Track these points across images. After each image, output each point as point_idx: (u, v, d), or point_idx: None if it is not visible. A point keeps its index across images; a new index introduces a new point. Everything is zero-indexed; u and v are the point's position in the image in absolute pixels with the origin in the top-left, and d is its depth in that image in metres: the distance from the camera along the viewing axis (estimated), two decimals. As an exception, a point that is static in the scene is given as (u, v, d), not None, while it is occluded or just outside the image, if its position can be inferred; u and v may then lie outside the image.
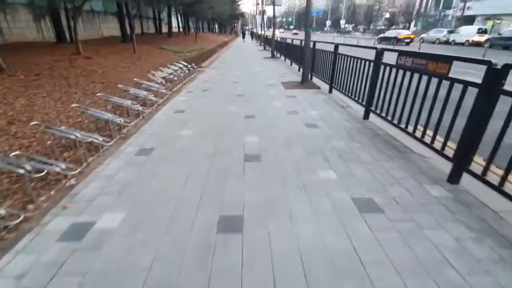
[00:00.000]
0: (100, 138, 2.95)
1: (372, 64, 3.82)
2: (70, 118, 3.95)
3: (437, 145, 2.53)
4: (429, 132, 2.67)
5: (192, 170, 2.52)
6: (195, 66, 8.52)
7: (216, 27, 54.64)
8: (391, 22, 53.56)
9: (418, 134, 2.81)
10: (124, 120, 3.63)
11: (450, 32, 25.48)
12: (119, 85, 4.73)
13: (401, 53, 3.19)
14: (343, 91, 4.93)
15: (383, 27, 53.73)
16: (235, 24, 64.90)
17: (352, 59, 4.51)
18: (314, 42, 6.52)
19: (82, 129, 3.11)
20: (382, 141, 3.18)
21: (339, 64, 5.10)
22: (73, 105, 3.46)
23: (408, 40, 25.91)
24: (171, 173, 2.47)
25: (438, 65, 2.59)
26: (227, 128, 3.58)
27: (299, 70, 8.86)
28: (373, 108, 3.79)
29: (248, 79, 7.35)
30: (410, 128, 2.95)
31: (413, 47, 20.29)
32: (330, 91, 5.61)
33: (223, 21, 51.05)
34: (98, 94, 4.32)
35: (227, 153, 2.88)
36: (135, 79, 5.42)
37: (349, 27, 67.12)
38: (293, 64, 10.29)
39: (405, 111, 3.00)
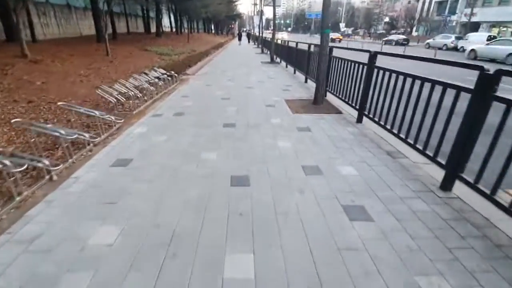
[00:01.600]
0: None
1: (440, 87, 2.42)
2: None
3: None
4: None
5: None
6: (175, 75, 6.76)
7: (212, 27, 52.89)
8: (392, 26, 52.50)
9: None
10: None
11: (458, 38, 24.13)
12: (60, 103, 2.94)
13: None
14: (387, 125, 3.21)
15: (383, 31, 52.64)
16: (232, 25, 63.22)
17: (402, 77, 2.91)
18: (331, 48, 4.83)
19: None
20: None
21: (377, 82, 3.40)
22: None
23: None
24: None
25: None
26: (194, 227, 1.82)
27: (306, 81, 7.16)
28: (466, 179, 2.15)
29: (242, 94, 5.61)
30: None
31: (423, 52, 18.81)
32: (360, 120, 3.89)
33: (220, 21, 49.32)
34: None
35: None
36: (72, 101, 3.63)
37: (348, 30, 65.96)
38: (296, 72, 8.59)
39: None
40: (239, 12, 53.45)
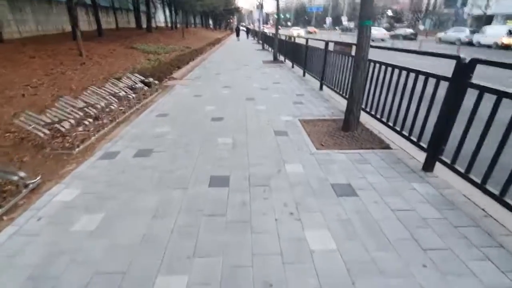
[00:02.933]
0: None
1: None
2: None
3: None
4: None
5: None
6: (156, 82, 5.29)
7: (210, 22, 51.01)
8: (396, 20, 50.57)
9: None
10: None
11: (473, 32, 22.48)
12: None
13: None
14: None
15: (388, 25, 50.75)
16: (231, 20, 61.26)
17: None
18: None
19: None
20: None
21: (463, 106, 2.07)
22: None
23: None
24: None
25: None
26: None
27: (321, 87, 5.68)
28: None
29: (241, 111, 4.16)
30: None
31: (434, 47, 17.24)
32: (430, 167, 2.42)
33: (218, 16, 47.48)
34: None
35: None
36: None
37: (351, 24, 63.89)
38: (307, 74, 7.10)
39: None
40: (238, 6, 51.50)
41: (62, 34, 13.91)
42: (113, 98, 3.90)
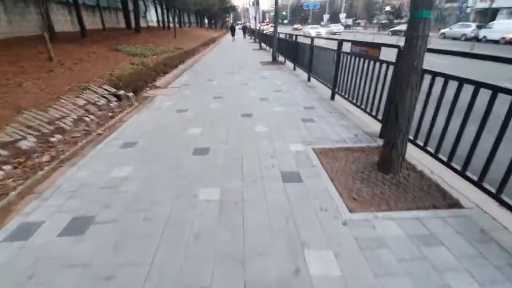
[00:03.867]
0: None
1: None
2: None
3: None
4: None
5: None
6: (130, 95, 4.27)
7: (205, 21, 49.76)
8: (395, 16, 49.56)
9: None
10: None
11: (479, 27, 21.52)
12: None
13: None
14: None
15: (386, 21, 49.74)
16: (227, 19, 59.97)
17: None
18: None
19: None
20: None
21: None
22: None
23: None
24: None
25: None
26: None
27: (332, 97, 4.67)
28: None
29: (235, 137, 3.16)
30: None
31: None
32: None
33: (213, 15, 46.25)
34: None
35: None
36: None
37: (348, 21, 62.83)
38: (312, 78, 6.10)
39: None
40: (233, 5, 50.27)
41: (42, 36, 12.79)
42: (64, 122, 2.88)
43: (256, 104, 4.41)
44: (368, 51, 3.26)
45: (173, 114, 3.97)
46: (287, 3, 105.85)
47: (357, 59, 3.68)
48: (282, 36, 9.78)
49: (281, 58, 9.96)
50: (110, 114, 3.77)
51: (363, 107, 3.55)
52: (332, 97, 4.65)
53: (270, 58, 10.29)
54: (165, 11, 24.44)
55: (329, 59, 4.74)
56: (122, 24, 22.37)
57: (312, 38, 5.90)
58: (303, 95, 5.01)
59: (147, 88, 5.53)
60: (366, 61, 3.42)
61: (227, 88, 5.63)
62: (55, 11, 14.93)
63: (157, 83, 6.04)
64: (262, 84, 5.97)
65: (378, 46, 3.09)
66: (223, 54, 12.83)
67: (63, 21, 15.51)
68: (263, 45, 16.26)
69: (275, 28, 9.26)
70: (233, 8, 51.41)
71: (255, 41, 21.49)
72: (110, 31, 16.80)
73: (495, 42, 19.50)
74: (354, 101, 3.83)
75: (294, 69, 7.90)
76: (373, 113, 3.27)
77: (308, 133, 3.20)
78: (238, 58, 11.13)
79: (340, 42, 4.29)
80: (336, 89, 4.54)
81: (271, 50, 13.29)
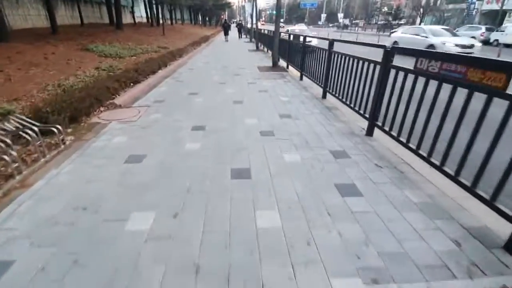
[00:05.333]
0: None
1: None
2: None
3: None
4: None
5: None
6: (57, 129, 2.65)
7: (199, 18, 47.77)
8: (394, 17, 48.47)
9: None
10: None
11: (489, 30, 20.32)
12: None
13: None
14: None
15: (385, 22, 48.64)
16: (222, 16, 58.04)
17: None
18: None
19: None
20: None
21: None
22: None
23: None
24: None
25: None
26: None
27: (370, 132, 3.12)
28: None
29: (222, 217, 1.59)
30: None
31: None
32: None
33: (207, 11, 44.40)
34: None
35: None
36: None
37: (346, 21, 61.55)
38: (328, 95, 4.58)
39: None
40: (229, 1, 48.44)
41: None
42: None
43: (255, 145, 2.84)
44: (475, 75, 1.73)
45: (118, 169, 2.38)
46: (283, 2, 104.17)
47: (424, 80, 2.17)
48: (282, 36, 8.23)
49: (283, 63, 8.41)
50: (10, 169, 2.17)
51: (434, 161, 2.03)
52: (370, 132, 3.11)
53: (269, 62, 8.73)
54: (154, 6, 22.58)
55: (364, 74, 3.21)
56: (107, 20, 20.47)
57: (331, 42, 4.36)
58: (323, 124, 3.46)
59: (101, 109, 3.91)
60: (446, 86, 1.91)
61: (214, 109, 4.06)
62: (26, 4, 13.06)
63: (120, 98, 4.41)
64: (263, 103, 4.40)
65: (503, 66, 1.56)
66: (215, 56, 11.21)
67: (35, 16, 13.63)
68: (260, 45, 14.69)
69: (276, 27, 7.70)
70: (228, 5, 49.58)
71: (251, 41, 19.91)
72: (89, 27, 14.96)
73: (506, 46, 18.31)
74: (412, 146, 2.32)
75: (301, 78, 6.36)
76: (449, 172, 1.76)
77: (359, 231, 1.65)
78: (232, 61, 9.52)
79: (388, 52, 2.75)
80: (377, 121, 3.00)
81: (269, 52, 11.75)
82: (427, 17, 38.03)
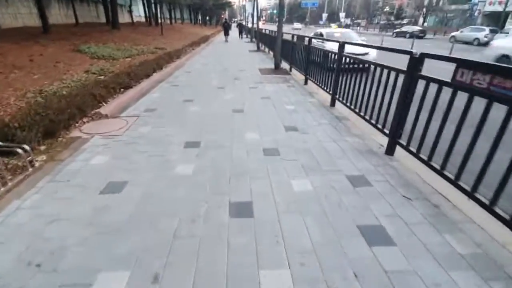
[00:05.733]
0: None
1: None
2: None
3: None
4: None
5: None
6: (27, 149, 2.23)
7: (199, 18, 47.29)
8: (396, 16, 48.05)
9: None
10: None
11: (493, 31, 19.90)
12: None
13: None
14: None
15: (387, 22, 48.23)
16: (222, 16, 57.57)
17: None
18: None
19: None
20: None
21: None
22: None
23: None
24: None
25: None
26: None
27: (390, 151, 2.69)
28: None
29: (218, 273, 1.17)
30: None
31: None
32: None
33: (207, 11, 43.97)
34: None
35: None
36: None
37: (347, 21, 61.07)
38: (337, 102, 4.16)
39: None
40: (229, 1, 47.98)
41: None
42: None
43: (258, 168, 2.42)
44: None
45: (91, 202, 1.95)
46: (284, 1, 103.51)
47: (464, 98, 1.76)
48: (283, 36, 7.81)
49: (285, 66, 7.99)
50: None
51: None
52: (390, 151, 2.69)
53: (271, 64, 8.32)
54: (152, 5, 22.13)
55: (379, 83, 2.80)
56: (104, 19, 20.03)
57: (342, 44, 3.93)
58: (334, 140, 3.04)
59: (84, 120, 3.49)
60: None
61: (211, 120, 3.64)
62: (16, 2, 12.62)
63: (107, 107, 3.99)
64: (265, 112, 3.98)
65: None
66: (215, 57, 10.79)
67: (26, 14, 13.20)
68: (261, 45, 14.27)
69: (279, 27, 7.28)
70: (228, 5, 49.14)
71: (251, 41, 19.50)
72: (83, 27, 14.53)
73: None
74: (449, 175, 1.90)
75: (306, 83, 5.94)
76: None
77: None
78: (232, 62, 9.10)
79: (418, 59, 2.33)
80: (400, 139, 2.58)
81: (271, 52, 11.34)
82: (430, 18, 37.63)
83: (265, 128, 3.34)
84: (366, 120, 3.17)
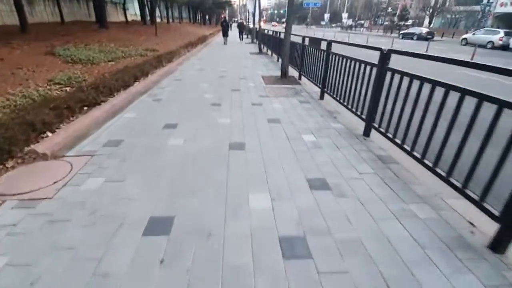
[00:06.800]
0: None
1: None
2: None
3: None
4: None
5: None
6: None
7: (198, 17, 46.04)
8: (400, 18, 46.94)
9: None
10: None
11: (508, 34, 18.75)
12: None
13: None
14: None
15: (390, 23, 47.12)
16: (222, 15, 56.35)
17: None
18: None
19: None
20: None
21: None
22: None
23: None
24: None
25: None
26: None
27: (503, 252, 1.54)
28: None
29: None
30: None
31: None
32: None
33: (207, 10, 42.78)
34: None
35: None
36: None
37: (349, 21, 59.90)
38: (373, 131, 3.01)
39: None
40: (229, 0, 46.79)
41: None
42: None
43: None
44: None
45: None
46: (285, 1, 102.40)
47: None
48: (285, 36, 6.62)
49: (293, 73, 6.81)
50: None
51: None
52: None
53: (276, 70, 7.16)
54: (148, 3, 20.93)
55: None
56: (94, 17, 18.76)
57: (387, 53, 2.76)
58: (395, 212, 1.86)
59: (7, 166, 2.30)
60: None
61: (197, 165, 2.45)
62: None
63: (50, 140, 2.78)
64: (276, 149, 2.80)
65: None
66: (212, 60, 9.61)
67: (6, 12, 11.98)
68: (263, 47, 13.10)
69: (287, 28, 6.09)
70: (228, 3, 47.96)
71: (252, 42, 18.35)
72: (71, 25, 13.30)
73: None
74: None
75: (322, 97, 4.77)
76: None
77: None
78: (230, 67, 7.92)
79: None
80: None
81: (274, 55, 10.19)
82: (436, 19, 36.48)
83: (278, 184, 2.16)
84: (408, 152, 2.00)
